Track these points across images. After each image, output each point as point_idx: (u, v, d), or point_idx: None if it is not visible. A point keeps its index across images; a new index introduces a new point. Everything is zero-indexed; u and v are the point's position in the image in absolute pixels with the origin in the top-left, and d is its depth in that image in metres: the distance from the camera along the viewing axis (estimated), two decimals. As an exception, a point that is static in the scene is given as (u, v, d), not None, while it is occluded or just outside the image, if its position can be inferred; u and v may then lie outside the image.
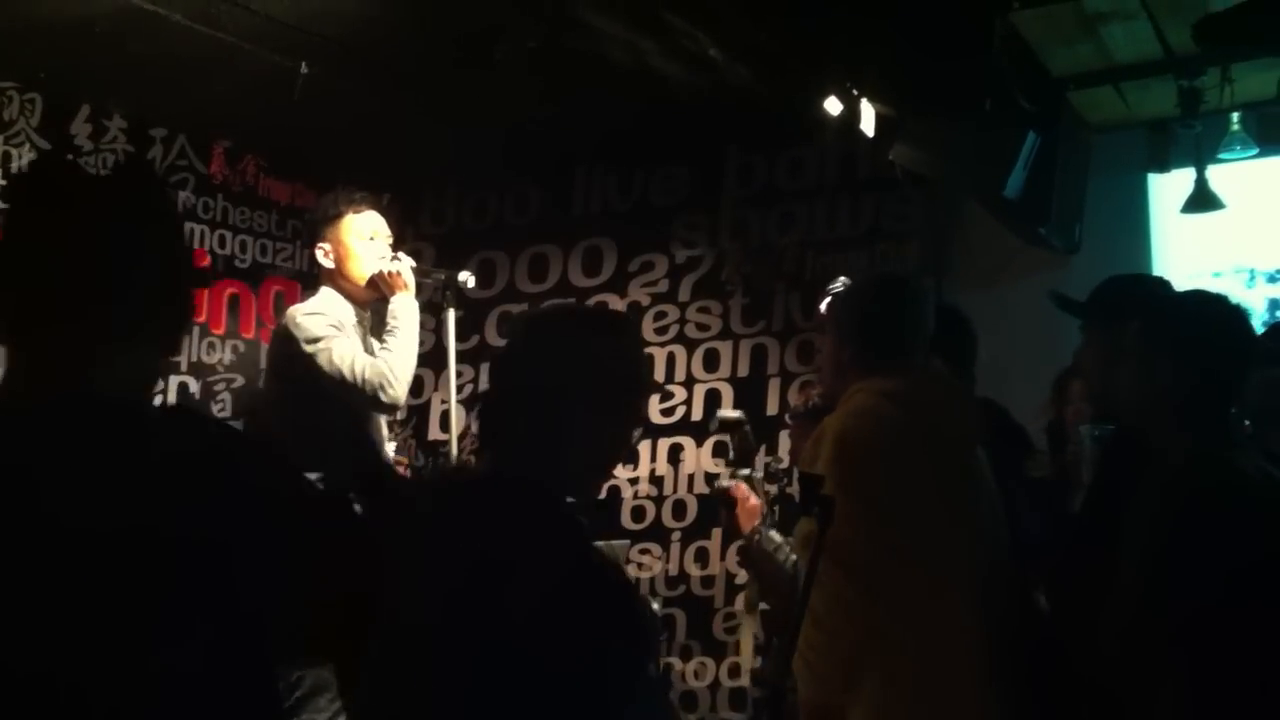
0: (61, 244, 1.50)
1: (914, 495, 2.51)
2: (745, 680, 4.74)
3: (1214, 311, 2.36)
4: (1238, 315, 2.37)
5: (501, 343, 5.44)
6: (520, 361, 1.86)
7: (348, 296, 3.40)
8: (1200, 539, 2.10)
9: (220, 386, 4.90)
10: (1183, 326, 2.34)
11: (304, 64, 4.11)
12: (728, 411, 3.47)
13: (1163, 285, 3.06)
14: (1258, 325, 4.43)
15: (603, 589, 1.69)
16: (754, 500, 2.87)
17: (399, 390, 3.26)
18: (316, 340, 3.24)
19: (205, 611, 1.44)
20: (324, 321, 3.28)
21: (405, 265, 3.42)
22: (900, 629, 2.46)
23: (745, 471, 3.02)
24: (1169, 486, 2.20)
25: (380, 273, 3.40)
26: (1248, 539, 2.10)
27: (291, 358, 3.27)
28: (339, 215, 3.42)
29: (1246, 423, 2.44)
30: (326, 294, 3.40)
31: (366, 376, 3.22)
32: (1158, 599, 2.14)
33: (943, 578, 2.50)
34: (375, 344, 3.37)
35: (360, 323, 3.41)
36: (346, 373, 3.21)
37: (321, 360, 3.22)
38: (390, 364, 3.26)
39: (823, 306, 2.88)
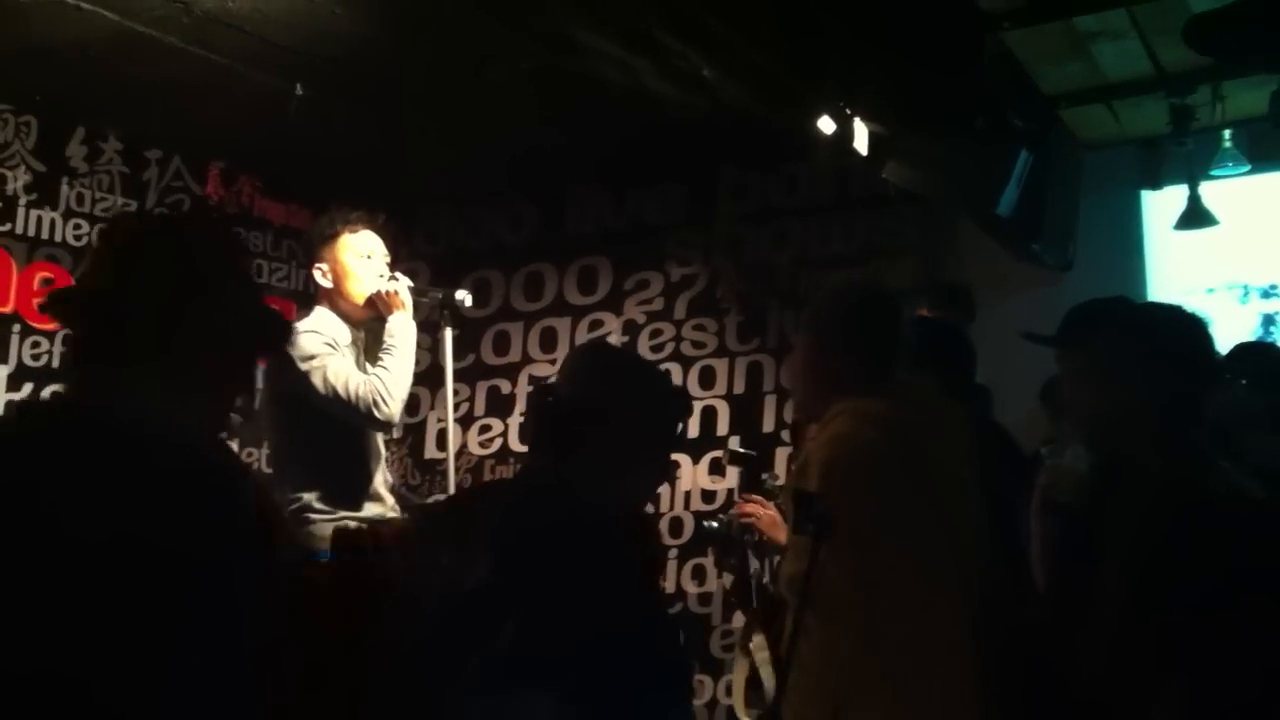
0: (117, 288, 1.64)
1: (899, 527, 2.38)
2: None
3: (1176, 327, 2.35)
4: (1199, 330, 2.34)
5: (499, 361, 5.48)
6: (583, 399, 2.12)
7: (344, 316, 3.41)
8: (1167, 561, 2.09)
9: (216, 406, 4.90)
10: (1144, 343, 2.32)
11: (299, 85, 4.13)
12: (739, 448, 4.05)
13: (1130, 305, 3.06)
14: (1252, 339, 4.45)
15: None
16: (772, 510, 2.89)
17: (393, 408, 3.27)
18: (311, 357, 3.24)
19: (200, 625, 1.48)
20: (319, 339, 3.28)
21: (402, 285, 3.43)
22: (887, 669, 2.32)
23: (765, 478, 3.29)
24: (1138, 511, 2.19)
25: (378, 292, 3.41)
26: (1211, 560, 2.08)
27: (286, 375, 3.28)
28: (336, 234, 3.42)
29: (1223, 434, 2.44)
30: (322, 313, 3.40)
31: (360, 394, 3.22)
32: (1135, 618, 2.14)
33: (931, 610, 2.36)
34: (369, 364, 3.37)
35: (355, 342, 3.42)
36: (341, 390, 3.21)
37: (316, 378, 3.23)
38: (385, 382, 3.26)
39: (804, 315, 2.79)
